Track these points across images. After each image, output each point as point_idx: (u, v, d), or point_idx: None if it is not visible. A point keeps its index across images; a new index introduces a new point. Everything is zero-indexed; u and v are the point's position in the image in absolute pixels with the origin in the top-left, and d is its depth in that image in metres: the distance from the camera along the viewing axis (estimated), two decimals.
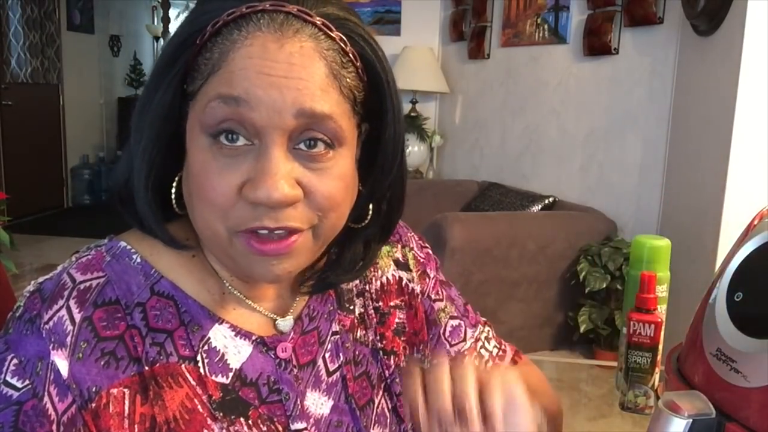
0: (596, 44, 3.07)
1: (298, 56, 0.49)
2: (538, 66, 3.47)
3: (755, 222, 0.69)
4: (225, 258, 0.55)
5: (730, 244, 0.70)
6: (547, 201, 3.19)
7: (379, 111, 0.56)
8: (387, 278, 0.70)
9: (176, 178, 0.55)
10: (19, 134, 5.51)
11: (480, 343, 0.75)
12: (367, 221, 0.61)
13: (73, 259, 0.56)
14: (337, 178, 0.52)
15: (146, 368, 0.53)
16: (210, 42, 0.50)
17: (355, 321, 0.67)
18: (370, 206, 0.61)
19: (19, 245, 2.87)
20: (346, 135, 0.52)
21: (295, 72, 0.48)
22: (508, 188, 3.49)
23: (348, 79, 0.52)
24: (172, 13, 5.74)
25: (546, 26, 3.40)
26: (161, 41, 4.82)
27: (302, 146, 0.51)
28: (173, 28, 4.75)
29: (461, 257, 2.71)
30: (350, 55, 0.52)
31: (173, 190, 0.55)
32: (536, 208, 3.17)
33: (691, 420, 0.53)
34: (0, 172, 5.31)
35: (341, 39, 0.51)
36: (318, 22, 0.50)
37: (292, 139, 0.50)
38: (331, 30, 0.51)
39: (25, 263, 4.20)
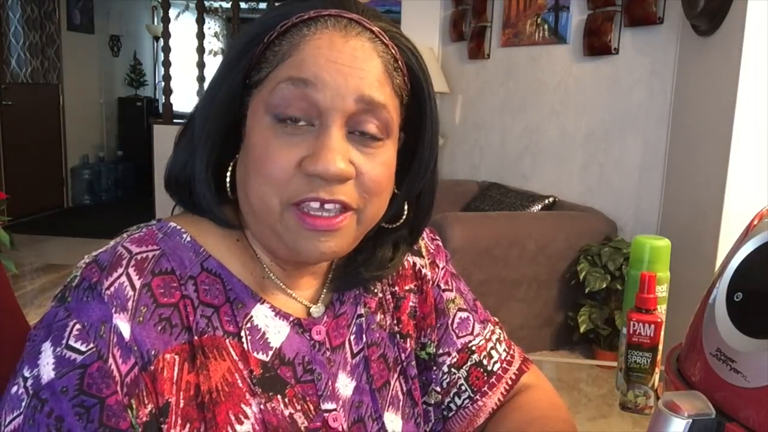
0: (596, 44, 3.07)
1: (360, 51, 0.55)
2: (538, 66, 3.47)
3: (755, 222, 0.69)
4: (271, 236, 0.58)
5: (730, 244, 0.70)
6: (547, 201, 3.19)
7: (418, 119, 0.61)
8: (402, 263, 0.72)
9: (231, 164, 0.59)
10: (19, 134, 5.51)
11: (491, 344, 0.76)
12: (401, 221, 0.65)
13: (125, 235, 0.59)
14: (383, 164, 0.57)
15: (196, 338, 0.56)
16: (278, 39, 0.56)
17: (376, 304, 0.69)
18: (405, 206, 0.65)
19: (19, 245, 2.88)
20: (394, 127, 0.58)
21: (357, 63, 0.55)
22: (508, 188, 3.49)
23: (398, 80, 0.58)
24: (172, 13, 5.73)
25: (546, 26, 3.40)
26: (161, 41, 4.82)
27: (356, 133, 0.56)
28: (173, 28, 4.75)
29: (461, 257, 2.71)
30: (399, 62, 0.58)
31: (228, 175, 0.59)
32: (536, 208, 3.17)
33: (690, 420, 0.53)
34: (0, 172, 5.31)
35: (393, 47, 0.58)
36: (375, 30, 0.57)
37: (348, 124, 0.55)
38: (385, 38, 0.57)
39: (25, 263, 4.20)
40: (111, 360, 0.51)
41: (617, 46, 3.01)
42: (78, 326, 0.51)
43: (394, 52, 0.58)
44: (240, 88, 0.58)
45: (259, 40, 0.57)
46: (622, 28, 2.99)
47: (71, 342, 0.50)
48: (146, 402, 0.52)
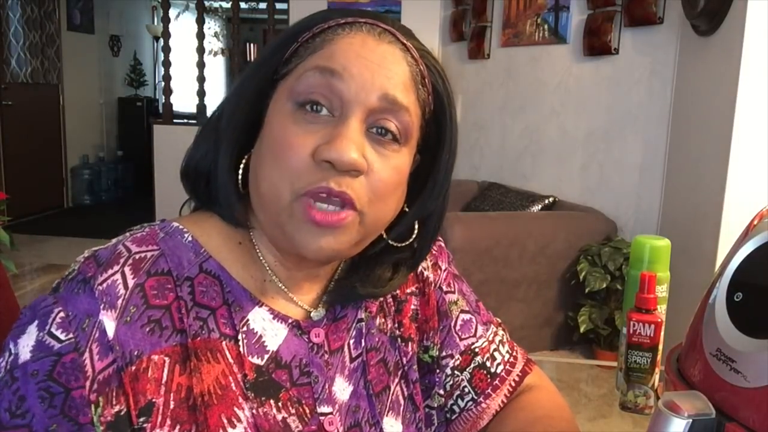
0: (596, 44, 3.07)
1: (390, 54, 0.57)
2: (538, 66, 3.47)
3: (755, 222, 0.69)
4: (275, 228, 0.57)
5: (730, 244, 0.70)
6: (547, 201, 3.20)
7: (436, 141, 0.62)
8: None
9: (245, 158, 0.60)
10: (19, 134, 5.51)
11: (494, 346, 0.76)
12: (410, 240, 0.65)
13: (127, 234, 0.59)
14: (395, 168, 0.57)
15: (189, 340, 0.55)
16: (312, 38, 0.58)
17: (377, 308, 0.69)
18: (416, 225, 0.65)
19: (19, 245, 2.87)
20: (413, 135, 0.59)
21: (386, 64, 0.56)
22: (508, 188, 3.49)
23: (422, 94, 0.59)
24: (172, 13, 5.73)
25: (546, 26, 3.41)
26: (161, 41, 4.82)
27: (374, 131, 0.56)
28: (173, 28, 4.75)
29: (461, 257, 2.71)
30: (426, 80, 0.60)
31: (240, 170, 0.60)
32: (536, 208, 3.18)
33: (690, 420, 0.53)
34: (0, 172, 5.31)
35: (422, 65, 0.59)
36: (408, 44, 0.59)
37: (368, 120, 0.56)
38: (415, 54, 0.59)
39: (25, 263, 4.20)
40: (87, 354, 0.51)
41: (617, 46, 3.01)
42: (62, 314, 0.51)
43: (422, 68, 0.59)
44: (268, 83, 0.59)
45: (293, 40, 0.58)
46: (622, 28, 2.99)
47: (53, 329, 0.51)
48: (114, 402, 0.52)
